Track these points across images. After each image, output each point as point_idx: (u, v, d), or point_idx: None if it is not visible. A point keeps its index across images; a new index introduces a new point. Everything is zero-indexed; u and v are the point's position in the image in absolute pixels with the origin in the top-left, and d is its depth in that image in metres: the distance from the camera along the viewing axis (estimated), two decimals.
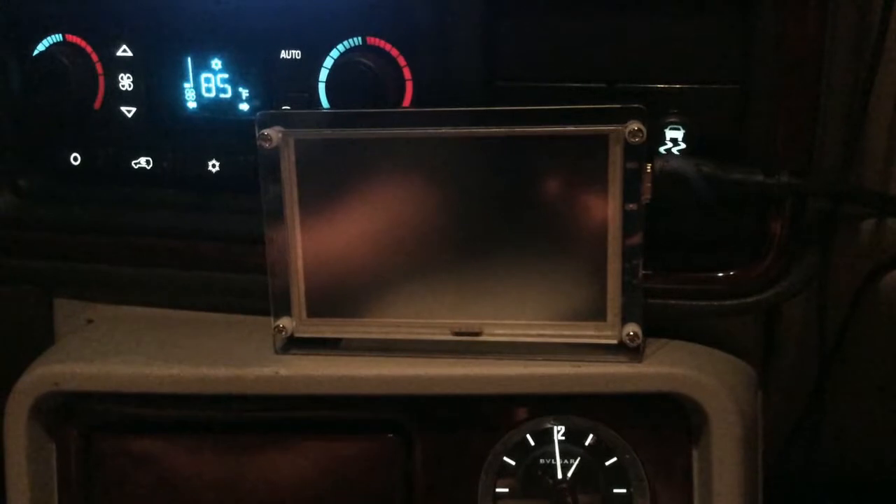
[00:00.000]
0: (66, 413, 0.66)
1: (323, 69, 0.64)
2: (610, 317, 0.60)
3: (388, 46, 0.63)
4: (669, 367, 0.61)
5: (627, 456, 0.65)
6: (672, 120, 0.60)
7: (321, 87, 0.64)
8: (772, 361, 0.69)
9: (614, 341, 0.60)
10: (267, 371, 0.62)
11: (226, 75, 0.67)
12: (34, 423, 0.64)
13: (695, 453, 0.64)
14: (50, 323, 0.72)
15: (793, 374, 0.70)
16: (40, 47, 0.68)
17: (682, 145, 0.60)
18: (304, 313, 0.63)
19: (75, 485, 0.66)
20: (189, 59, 0.67)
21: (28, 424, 0.64)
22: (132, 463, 0.66)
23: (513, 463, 0.66)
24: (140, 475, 0.66)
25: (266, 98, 0.66)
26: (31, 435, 0.64)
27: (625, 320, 0.60)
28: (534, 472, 0.66)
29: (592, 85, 0.61)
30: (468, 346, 0.62)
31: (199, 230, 0.68)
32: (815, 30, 0.57)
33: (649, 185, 0.58)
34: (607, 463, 0.65)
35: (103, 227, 0.70)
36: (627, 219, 0.58)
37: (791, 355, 0.70)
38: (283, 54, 0.65)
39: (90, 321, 0.72)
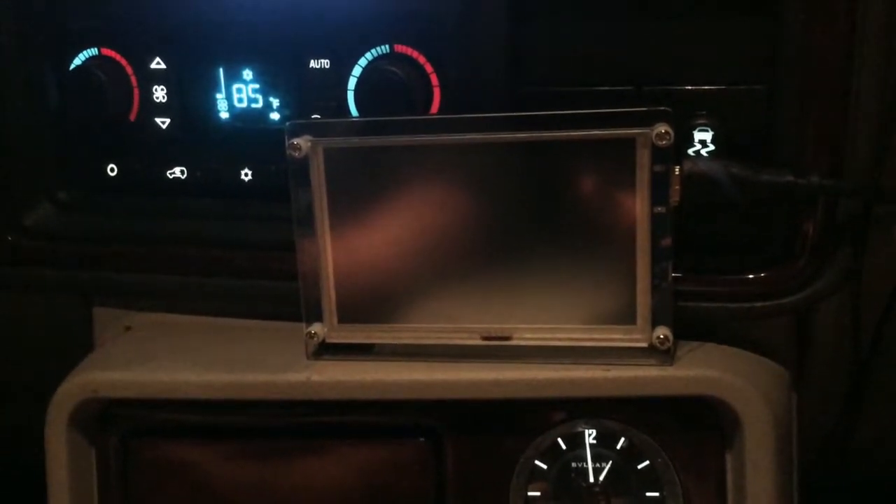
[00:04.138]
0: (105, 420, 0.67)
1: (351, 78, 0.65)
2: (640, 320, 0.60)
3: (415, 54, 0.64)
4: (701, 369, 0.61)
5: (659, 459, 0.64)
6: (700, 122, 0.60)
7: (350, 96, 0.65)
8: (805, 363, 0.68)
9: (644, 344, 0.60)
10: (300, 377, 0.63)
11: (256, 85, 0.68)
12: (74, 430, 0.65)
13: (728, 457, 0.63)
14: (89, 331, 0.74)
15: (827, 376, 0.69)
16: (77, 61, 0.70)
17: (711, 147, 0.60)
18: (335, 319, 0.64)
19: (115, 491, 0.67)
20: (221, 71, 0.68)
21: (68, 431, 0.65)
22: (170, 468, 0.67)
23: (544, 467, 0.66)
24: (178, 480, 0.66)
25: (296, 107, 0.67)
26: (70, 442, 0.65)
27: (655, 323, 0.60)
28: (566, 476, 0.66)
29: (619, 88, 0.61)
30: (498, 351, 0.62)
31: (232, 238, 0.69)
32: (844, 29, 0.56)
33: (678, 187, 0.58)
34: (639, 466, 0.65)
35: (140, 236, 0.71)
36: (656, 221, 0.58)
37: (825, 357, 0.69)
38: (312, 63, 0.66)
39: (128, 328, 0.73)
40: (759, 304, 0.62)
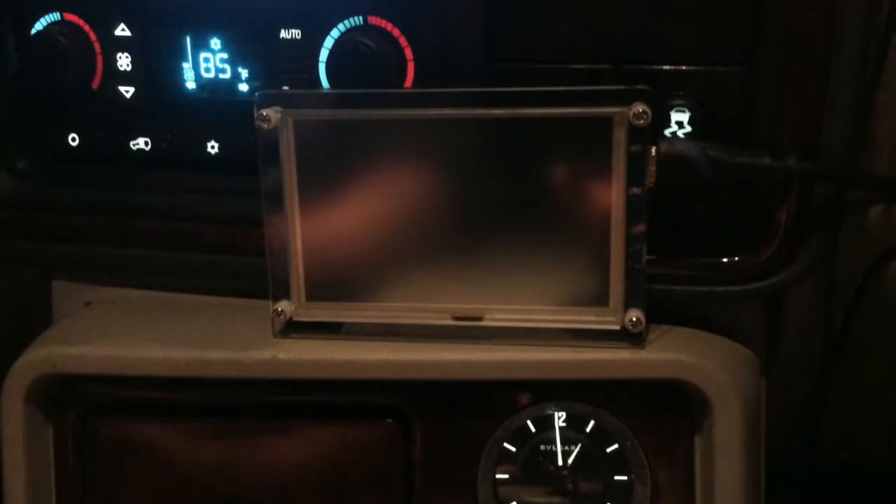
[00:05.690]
0: (63, 396, 0.65)
1: (323, 49, 0.63)
2: (612, 302, 0.59)
3: (389, 26, 0.62)
4: (672, 353, 0.60)
5: (629, 442, 0.64)
6: (678, 102, 0.59)
7: (321, 68, 0.64)
8: (776, 348, 0.69)
9: (616, 327, 0.60)
10: (265, 355, 0.62)
11: (225, 55, 0.66)
12: (31, 405, 0.64)
13: (697, 440, 0.63)
14: (48, 305, 0.72)
15: (797, 361, 0.70)
16: (38, 26, 0.67)
17: (688, 128, 0.60)
18: (303, 297, 0.63)
19: (73, 468, 0.66)
20: (188, 39, 0.66)
21: (25, 407, 0.63)
22: (130, 446, 0.65)
23: (513, 449, 0.65)
24: (138, 458, 0.65)
25: (266, 78, 0.65)
26: (27, 417, 0.64)
27: (627, 306, 0.59)
28: (534, 459, 0.65)
29: (597, 66, 0.60)
30: (469, 331, 0.61)
31: (197, 212, 0.67)
32: (825, 12, 0.56)
33: (654, 168, 0.57)
34: (608, 450, 0.65)
35: (101, 208, 0.69)
36: (631, 203, 0.57)
37: (796, 342, 0.69)
38: (283, 34, 0.64)
39: (88, 303, 0.71)
40: (731, 288, 0.62)
